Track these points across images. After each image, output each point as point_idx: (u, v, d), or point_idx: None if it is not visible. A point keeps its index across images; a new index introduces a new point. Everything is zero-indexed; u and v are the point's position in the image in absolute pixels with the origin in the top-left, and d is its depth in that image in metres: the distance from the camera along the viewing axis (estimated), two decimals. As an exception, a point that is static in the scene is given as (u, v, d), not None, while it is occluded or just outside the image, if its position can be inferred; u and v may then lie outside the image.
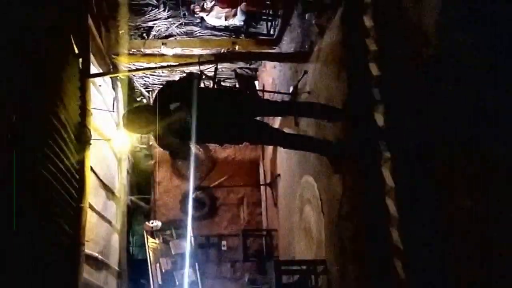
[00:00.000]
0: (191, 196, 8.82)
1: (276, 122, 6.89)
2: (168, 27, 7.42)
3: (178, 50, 7.36)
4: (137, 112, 4.29)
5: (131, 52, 7.09)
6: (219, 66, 7.26)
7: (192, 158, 8.39)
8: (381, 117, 3.54)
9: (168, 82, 4.40)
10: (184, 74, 7.84)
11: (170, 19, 7.30)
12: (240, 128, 4.10)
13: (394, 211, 3.27)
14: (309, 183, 5.43)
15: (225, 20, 6.93)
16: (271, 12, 7.18)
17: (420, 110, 2.90)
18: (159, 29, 7.42)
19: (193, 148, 4.10)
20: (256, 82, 9.19)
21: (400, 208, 3.22)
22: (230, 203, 9.96)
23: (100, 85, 6.55)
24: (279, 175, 7.56)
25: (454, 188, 2.51)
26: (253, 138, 4.52)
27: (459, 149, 2.45)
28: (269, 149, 8.48)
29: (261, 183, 9.66)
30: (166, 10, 7.15)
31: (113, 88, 7.64)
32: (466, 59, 2.39)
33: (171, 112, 3.94)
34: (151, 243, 8.93)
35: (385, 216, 3.32)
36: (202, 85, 4.64)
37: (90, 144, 4.91)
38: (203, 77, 6.72)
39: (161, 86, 4.33)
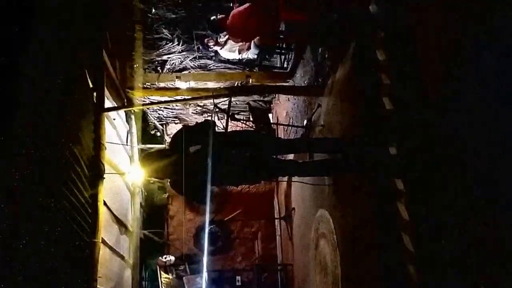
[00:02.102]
0: (206, 230, 8.77)
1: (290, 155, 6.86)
2: (182, 61, 7.50)
3: (192, 84, 7.39)
4: (152, 157, 4.31)
5: (145, 86, 7.15)
6: (233, 99, 7.29)
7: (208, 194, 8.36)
8: (395, 151, 3.56)
9: (184, 127, 4.46)
10: (199, 115, 7.94)
11: (184, 53, 7.38)
12: (256, 169, 4.12)
13: (410, 245, 3.26)
14: (324, 217, 5.36)
15: (239, 53, 6.96)
16: (284, 46, 7.21)
17: (435, 144, 2.90)
18: (173, 63, 7.50)
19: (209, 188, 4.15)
20: (270, 115, 9.22)
21: (415, 242, 3.20)
22: (245, 237, 9.88)
23: (114, 119, 6.60)
24: (293, 208, 7.48)
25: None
26: (269, 177, 4.53)
27: (476, 181, 2.44)
28: (284, 182, 8.40)
29: (275, 216, 9.57)
30: (180, 44, 7.23)
31: (127, 121, 7.70)
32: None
33: (187, 157, 3.96)
34: (164, 278, 8.82)
35: (402, 251, 3.30)
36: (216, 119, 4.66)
37: (104, 178, 4.92)
38: (217, 110, 6.77)
39: (176, 130, 4.38)
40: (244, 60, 7.31)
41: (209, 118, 7.44)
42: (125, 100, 6.85)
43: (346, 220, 4.60)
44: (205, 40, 6.95)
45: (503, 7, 2.22)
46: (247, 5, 5.85)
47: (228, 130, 5.57)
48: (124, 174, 6.98)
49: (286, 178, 7.97)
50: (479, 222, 2.41)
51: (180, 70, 7.55)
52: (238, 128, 8.56)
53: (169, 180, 4.29)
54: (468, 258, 2.52)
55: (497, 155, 2.25)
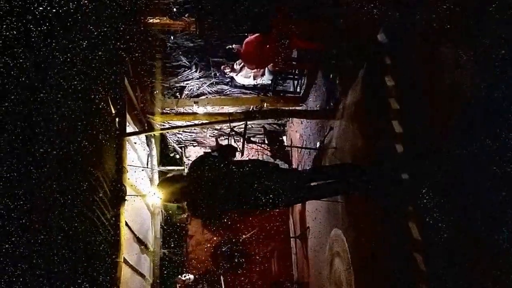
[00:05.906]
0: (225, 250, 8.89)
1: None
2: (200, 87, 7.76)
3: (209, 108, 7.63)
4: (170, 182, 4.33)
5: (164, 111, 7.35)
6: (248, 123, 7.46)
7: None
8: (406, 175, 3.65)
9: (203, 154, 4.52)
10: (215, 139, 8.08)
11: (201, 79, 7.66)
12: (268, 198, 4.13)
13: (422, 264, 3.32)
14: (338, 236, 5.43)
15: (254, 79, 7.17)
16: (297, 72, 7.43)
17: (445, 166, 2.98)
18: (191, 89, 7.76)
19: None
20: (284, 137, 9.39)
21: (427, 262, 3.27)
22: (260, 256, 9.88)
23: (135, 142, 6.78)
24: (308, 227, 7.56)
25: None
26: (280, 205, 4.51)
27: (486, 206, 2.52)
28: (298, 201, 8.45)
29: (291, 235, 9.62)
30: (198, 71, 7.51)
31: (147, 145, 7.87)
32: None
33: (205, 183, 4.06)
34: (184, 296, 8.93)
35: (414, 270, 3.38)
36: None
37: (125, 200, 5.04)
38: (233, 133, 6.95)
39: (195, 158, 4.45)
40: (258, 86, 7.56)
41: (226, 142, 7.55)
42: (146, 125, 7.04)
43: (360, 239, 4.67)
44: (222, 67, 7.18)
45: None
46: (260, 34, 6.07)
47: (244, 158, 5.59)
48: (145, 195, 7.13)
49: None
50: (490, 246, 2.48)
51: (198, 96, 7.81)
52: (254, 150, 8.78)
53: (186, 204, 4.36)
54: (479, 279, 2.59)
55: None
